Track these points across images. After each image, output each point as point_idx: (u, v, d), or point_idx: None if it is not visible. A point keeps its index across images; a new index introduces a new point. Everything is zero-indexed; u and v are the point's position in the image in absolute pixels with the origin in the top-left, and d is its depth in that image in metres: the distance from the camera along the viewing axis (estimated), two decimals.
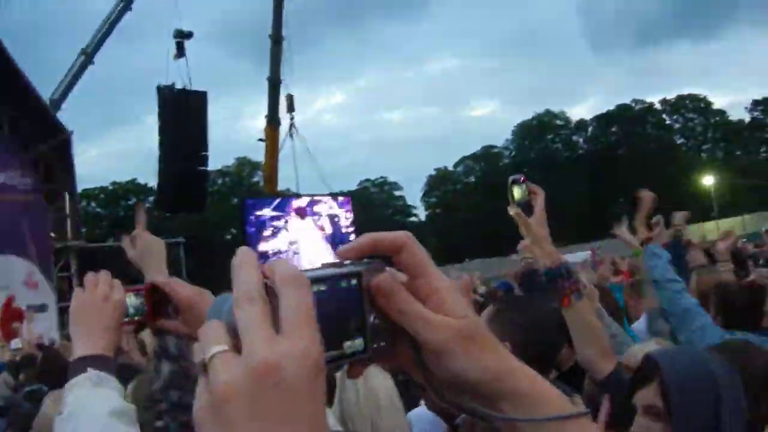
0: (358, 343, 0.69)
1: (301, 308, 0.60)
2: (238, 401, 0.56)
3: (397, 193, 78.17)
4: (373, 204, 71.40)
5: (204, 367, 0.59)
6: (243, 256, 0.63)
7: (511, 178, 2.50)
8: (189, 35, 24.25)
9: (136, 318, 1.78)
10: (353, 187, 68.74)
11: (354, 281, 0.70)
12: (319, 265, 0.70)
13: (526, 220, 2.44)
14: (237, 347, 0.59)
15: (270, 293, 0.61)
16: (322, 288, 0.66)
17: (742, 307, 3.81)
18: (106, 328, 1.68)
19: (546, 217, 2.47)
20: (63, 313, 17.98)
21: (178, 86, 23.07)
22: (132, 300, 1.78)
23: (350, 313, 0.69)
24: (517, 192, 2.47)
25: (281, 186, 29.49)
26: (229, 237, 56.07)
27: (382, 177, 77.86)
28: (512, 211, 2.47)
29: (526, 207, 2.47)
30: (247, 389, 0.56)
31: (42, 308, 16.70)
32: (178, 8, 23.59)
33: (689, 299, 3.64)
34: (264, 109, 28.63)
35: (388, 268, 0.73)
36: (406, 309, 0.72)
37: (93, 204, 47.88)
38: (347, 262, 0.71)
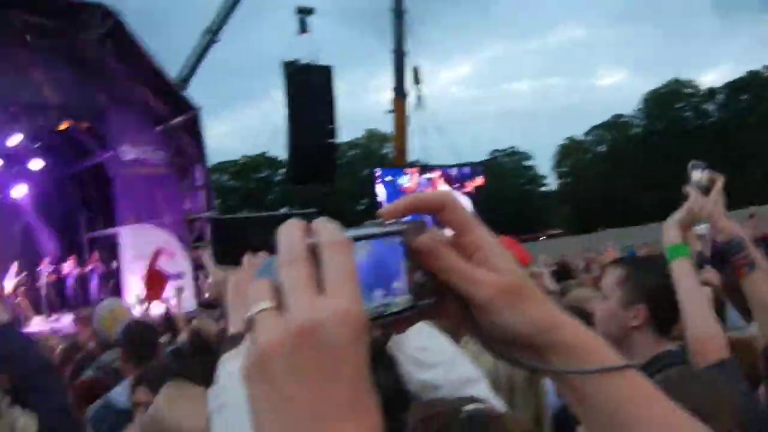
0: (405, 300, 0.70)
1: (342, 268, 0.61)
2: (279, 358, 0.58)
3: (526, 163, 76.86)
4: (504, 174, 70.55)
5: (250, 324, 0.60)
6: (288, 222, 0.65)
7: (691, 163, 2.60)
8: (310, 11, 24.50)
9: None
10: (483, 157, 67.99)
11: (398, 240, 0.70)
12: (364, 225, 0.71)
13: (694, 200, 2.50)
14: (282, 306, 0.60)
15: (314, 254, 0.62)
16: (366, 247, 0.67)
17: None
18: None
19: (723, 197, 2.52)
20: (197, 280, 18.76)
21: (304, 61, 23.42)
22: None
23: (395, 272, 0.70)
24: (695, 174, 2.56)
25: (411, 157, 29.67)
26: (361, 208, 56.70)
27: (511, 147, 76.72)
28: (687, 188, 2.53)
29: (705, 191, 2.54)
30: (288, 347, 0.58)
31: (179, 276, 17.51)
32: None
33: None
34: (390, 82, 28.83)
35: (432, 227, 0.74)
36: (450, 266, 0.72)
37: (225, 177, 49.27)
38: (389, 222, 0.72)
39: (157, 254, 14.83)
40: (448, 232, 0.74)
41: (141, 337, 4.20)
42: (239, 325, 1.68)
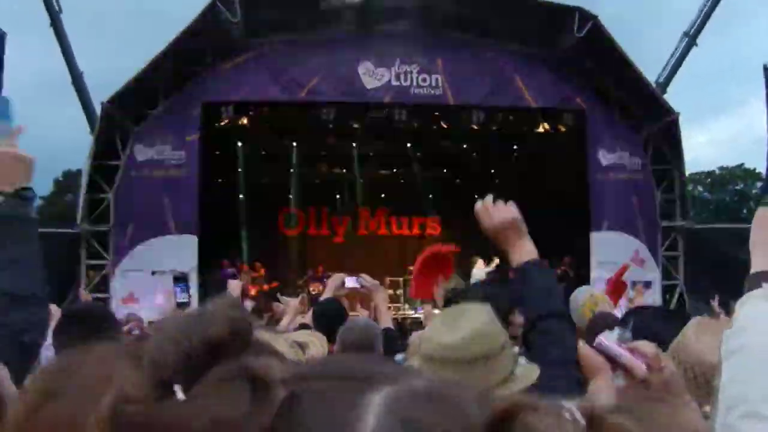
0: None
1: None
2: None
3: None
4: None
5: None
6: None
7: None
8: None
9: None
10: None
11: None
12: None
13: None
14: None
15: None
16: None
17: None
18: None
19: None
20: (665, 291, 18.06)
21: None
22: None
23: None
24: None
25: None
26: None
27: None
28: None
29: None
30: None
31: (647, 285, 17.02)
32: None
33: None
34: None
35: None
36: None
37: (699, 188, 47.32)
38: None
39: (623, 270, 14.54)
40: None
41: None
42: (761, 264, 1.62)
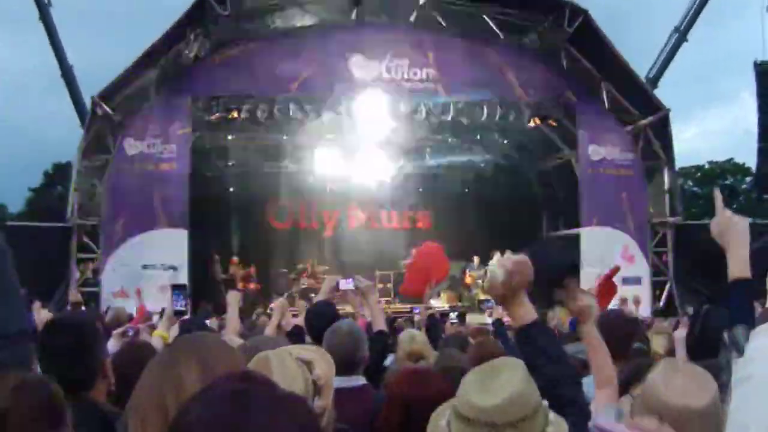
0: None
1: None
2: None
3: None
4: None
5: None
6: None
7: None
8: None
9: None
10: None
11: None
12: None
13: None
14: None
15: None
16: None
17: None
18: None
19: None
20: (655, 287, 18.13)
21: None
22: None
23: None
24: None
25: None
26: None
27: None
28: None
29: None
30: None
31: (636, 281, 17.03)
32: None
33: None
34: None
35: None
36: None
37: (689, 182, 47.30)
38: None
39: (616, 270, 14.54)
40: None
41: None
42: None
